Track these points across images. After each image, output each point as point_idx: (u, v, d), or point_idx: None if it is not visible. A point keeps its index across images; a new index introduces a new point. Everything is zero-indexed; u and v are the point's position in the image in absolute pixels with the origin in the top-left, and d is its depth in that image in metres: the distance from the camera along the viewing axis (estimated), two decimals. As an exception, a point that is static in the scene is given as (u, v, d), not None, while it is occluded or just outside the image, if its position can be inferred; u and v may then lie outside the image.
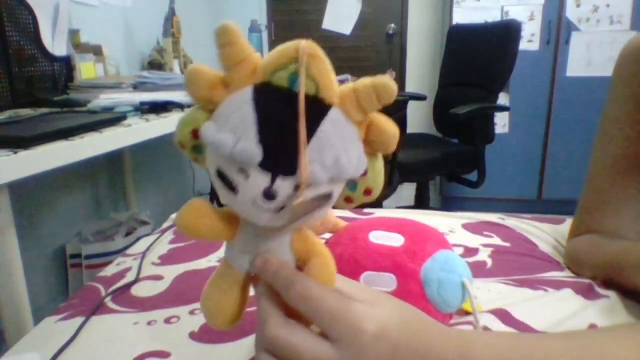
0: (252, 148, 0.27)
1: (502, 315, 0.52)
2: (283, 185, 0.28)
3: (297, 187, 0.28)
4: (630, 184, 0.61)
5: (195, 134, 0.31)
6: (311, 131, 0.28)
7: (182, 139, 0.32)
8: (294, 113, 0.27)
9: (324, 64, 0.28)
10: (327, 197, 0.30)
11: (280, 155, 0.28)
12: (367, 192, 0.33)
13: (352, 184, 0.32)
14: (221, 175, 0.30)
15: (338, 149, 0.29)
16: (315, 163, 0.28)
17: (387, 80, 0.29)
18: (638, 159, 0.60)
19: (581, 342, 0.36)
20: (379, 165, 0.32)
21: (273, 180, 0.28)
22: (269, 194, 0.28)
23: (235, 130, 0.28)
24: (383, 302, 0.33)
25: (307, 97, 0.28)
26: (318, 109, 0.28)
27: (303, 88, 0.28)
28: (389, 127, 0.30)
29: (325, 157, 0.28)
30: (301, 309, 0.31)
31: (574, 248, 0.67)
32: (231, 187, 0.29)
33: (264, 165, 0.28)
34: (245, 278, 0.35)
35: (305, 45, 0.28)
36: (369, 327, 0.30)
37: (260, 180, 0.28)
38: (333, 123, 0.28)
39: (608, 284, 0.58)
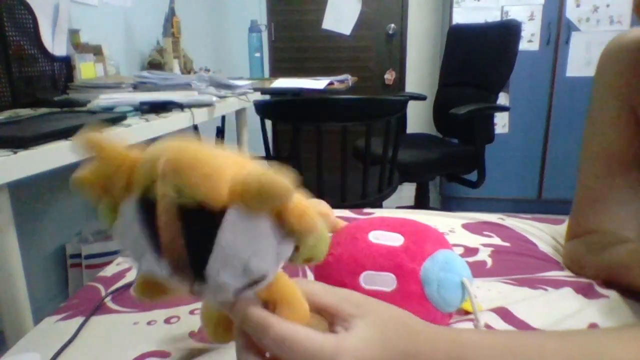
0: (155, 268, 0.27)
1: (503, 313, 0.52)
2: (203, 287, 0.28)
3: (217, 288, 0.28)
4: (621, 183, 0.61)
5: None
6: (208, 244, 0.26)
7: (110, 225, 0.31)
8: (179, 229, 0.26)
9: (197, 171, 0.25)
10: (261, 279, 0.28)
11: (185, 270, 0.27)
12: (308, 261, 0.31)
13: (290, 257, 0.30)
14: None
15: (244, 254, 0.26)
16: (224, 275, 0.26)
17: (272, 183, 0.25)
18: (625, 158, 0.60)
19: (578, 341, 0.36)
20: (313, 239, 0.29)
21: (192, 285, 0.28)
22: (194, 293, 0.28)
23: (134, 249, 0.28)
24: (361, 326, 0.32)
25: (192, 211, 0.25)
26: (208, 219, 0.26)
27: (165, 213, 0.26)
28: (296, 224, 0.27)
29: (232, 268, 0.26)
30: (276, 354, 0.30)
31: (573, 249, 0.67)
32: None
33: (176, 276, 0.27)
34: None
35: (165, 162, 0.25)
36: None
37: (180, 284, 0.28)
38: (232, 227, 0.26)
39: (608, 284, 0.58)
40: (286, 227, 0.28)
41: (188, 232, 0.26)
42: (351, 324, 0.32)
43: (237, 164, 0.28)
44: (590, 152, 0.64)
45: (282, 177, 0.25)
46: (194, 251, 0.26)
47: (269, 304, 0.32)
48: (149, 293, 0.32)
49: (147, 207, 0.26)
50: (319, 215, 0.28)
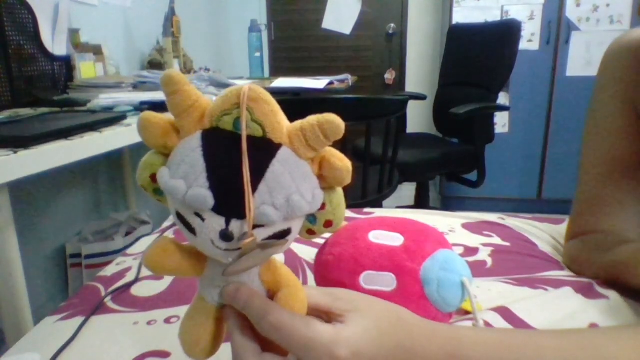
0: (203, 195, 0.28)
1: (504, 313, 0.52)
2: (239, 227, 0.29)
3: (254, 227, 0.29)
4: (622, 183, 0.61)
5: (153, 178, 0.31)
6: (261, 172, 0.28)
7: (142, 184, 0.33)
8: (239, 157, 0.28)
9: (269, 106, 0.29)
10: (285, 233, 0.31)
11: (231, 199, 0.28)
12: (328, 224, 0.33)
13: (312, 218, 0.33)
14: (181, 217, 0.30)
15: (289, 188, 0.29)
16: (267, 204, 0.28)
17: (332, 117, 0.29)
18: (628, 159, 0.60)
19: (575, 339, 0.36)
20: (337, 198, 0.33)
21: (228, 222, 0.29)
22: (225, 236, 0.29)
23: (187, 177, 0.29)
24: (357, 319, 0.32)
25: (254, 139, 0.29)
26: (266, 150, 0.29)
27: (245, 131, 0.28)
28: (341, 163, 0.30)
29: (276, 198, 0.29)
30: (274, 339, 0.31)
31: (573, 249, 0.67)
32: (190, 228, 0.30)
33: (217, 209, 0.29)
34: (218, 310, 0.35)
35: (248, 90, 0.29)
36: (342, 352, 0.30)
37: (215, 223, 0.29)
38: (283, 162, 0.29)
39: (609, 283, 0.58)
40: (328, 171, 0.30)
41: (249, 157, 0.28)
42: (347, 318, 0.32)
43: (299, 121, 0.31)
44: (592, 153, 0.64)
45: (335, 116, 0.29)
46: (247, 180, 0.28)
47: (271, 292, 0.34)
48: (162, 262, 0.33)
49: (215, 135, 0.29)
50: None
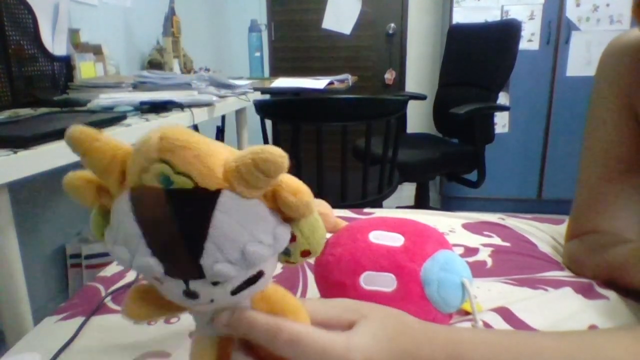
0: (149, 264, 0.26)
1: (504, 313, 0.52)
2: (199, 285, 0.27)
3: (215, 283, 0.27)
4: (623, 183, 0.61)
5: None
6: (203, 229, 0.25)
7: (100, 238, 0.30)
8: (172, 215, 0.25)
9: (191, 151, 0.25)
10: (258, 276, 0.28)
11: (179, 264, 0.26)
12: (305, 254, 0.30)
13: (286, 249, 0.29)
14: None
15: (241, 237, 0.25)
16: (220, 262, 0.25)
17: (268, 154, 0.24)
18: (626, 160, 0.60)
19: (574, 341, 0.36)
20: (308, 225, 0.29)
21: (186, 283, 0.27)
22: (190, 295, 0.27)
23: (127, 244, 0.26)
24: (365, 327, 0.33)
25: (185, 193, 0.25)
26: (202, 202, 0.25)
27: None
28: (294, 198, 0.26)
29: (228, 253, 0.25)
30: (289, 355, 0.30)
31: (573, 249, 0.67)
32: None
33: (170, 274, 0.26)
34: (219, 339, 0.33)
35: (159, 140, 0.25)
36: (356, 357, 0.30)
37: (174, 286, 0.27)
38: (226, 211, 0.25)
39: (609, 284, 0.58)
40: (282, 207, 0.27)
41: (182, 216, 0.25)
42: (356, 326, 0.33)
43: (229, 150, 0.27)
44: (591, 152, 0.64)
45: (275, 149, 0.24)
46: (189, 237, 0.25)
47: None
48: (139, 311, 0.31)
49: (141, 195, 0.26)
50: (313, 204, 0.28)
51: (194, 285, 0.27)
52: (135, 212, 0.25)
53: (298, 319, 0.31)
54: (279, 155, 0.24)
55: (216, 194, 0.25)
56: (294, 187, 0.27)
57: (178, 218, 0.25)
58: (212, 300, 0.28)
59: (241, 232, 0.25)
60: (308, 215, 0.28)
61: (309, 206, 0.27)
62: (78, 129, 0.26)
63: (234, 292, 0.28)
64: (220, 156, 0.26)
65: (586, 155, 0.65)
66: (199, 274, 0.26)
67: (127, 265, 0.27)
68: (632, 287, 0.55)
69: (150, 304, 0.31)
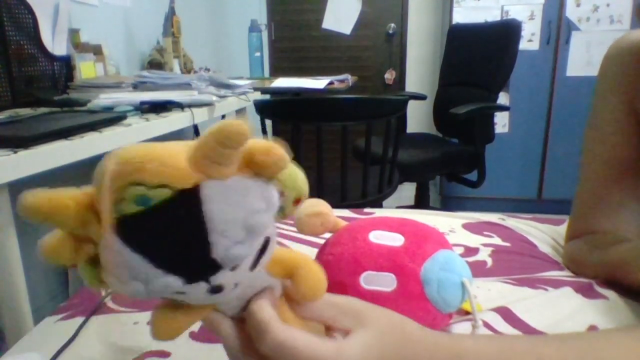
0: (167, 282, 0.26)
1: (504, 313, 0.52)
2: (220, 277, 0.27)
3: (233, 268, 0.27)
4: (622, 185, 0.61)
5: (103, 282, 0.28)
6: (201, 228, 0.25)
7: (99, 288, 0.30)
8: (166, 229, 0.25)
9: (156, 161, 0.25)
10: (266, 243, 0.29)
11: (196, 269, 0.26)
12: (296, 202, 0.31)
13: (282, 205, 0.30)
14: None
15: (238, 216, 0.26)
16: (231, 245, 0.26)
17: (223, 125, 0.24)
18: (627, 161, 0.60)
19: (576, 346, 0.36)
20: (288, 176, 0.30)
21: (208, 282, 0.27)
22: (215, 290, 0.27)
23: (136, 277, 0.26)
24: (360, 335, 0.32)
25: (167, 203, 0.25)
26: (186, 203, 0.25)
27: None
28: (267, 157, 0.27)
29: (234, 235, 0.26)
30: (272, 357, 0.30)
31: (573, 249, 0.67)
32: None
33: (190, 281, 0.26)
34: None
35: (115, 165, 0.25)
36: None
37: (197, 290, 0.27)
38: (212, 200, 0.25)
39: (609, 283, 0.58)
40: (260, 170, 0.27)
41: (180, 223, 0.25)
42: (351, 333, 0.32)
43: (184, 144, 0.27)
44: (592, 154, 0.64)
45: (231, 121, 0.24)
46: (192, 240, 0.25)
47: (286, 279, 0.32)
48: (171, 329, 0.31)
49: (126, 226, 0.25)
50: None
51: (215, 279, 0.27)
52: (129, 245, 0.25)
53: (311, 270, 0.32)
54: (237, 124, 0.24)
55: (196, 189, 0.25)
56: (264, 147, 0.27)
57: (173, 230, 0.25)
58: (236, 285, 0.28)
59: (235, 211, 0.26)
60: (285, 167, 0.28)
61: (284, 159, 0.27)
62: (29, 197, 0.25)
63: (252, 267, 0.28)
64: (181, 153, 0.26)
65: (588, 156, 0.65)
66: (216, 267, 0.26)
67: (145, 295, 0.26)
68: (632, 285, 0.55)
69: (178, 316, 0.31)
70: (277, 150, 0.27)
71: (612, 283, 0.58)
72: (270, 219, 0.28)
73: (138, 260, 0.25)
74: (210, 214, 0.25)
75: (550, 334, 0.48)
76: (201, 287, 0.27)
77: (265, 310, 0.30)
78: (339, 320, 0.33)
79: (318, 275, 0.32)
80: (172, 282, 0.26)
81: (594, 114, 0.64)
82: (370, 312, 0.34)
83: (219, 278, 0.27)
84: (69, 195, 0.26)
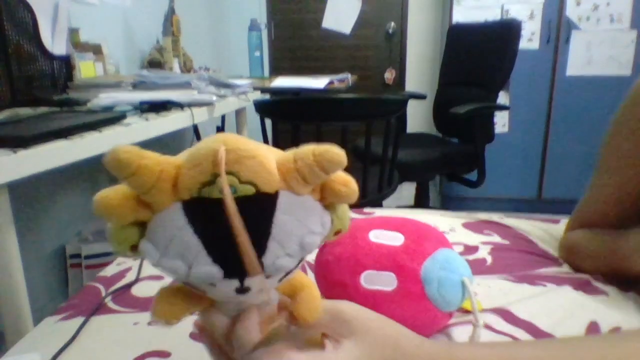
0: (209, 271, 0.26)
1: (504, 313, 0.52)
2: (253, 281, 0.28)
3: (269, 276, 0.28)
4: (631, 213, 0.60)
5: (134, 248, 0.28)
6: (266, 230, 0.26)
7: (123, 255, 0.29)
8: (240, 217, 0.26)
9: (255, 159, 0.26)
10: (302, 260, 0.30)
11: (239, 264, 0.26)
12: (337, 233, 0.32)
13: None
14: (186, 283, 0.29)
15: (299, 232, 0.28)
16: (281, 257, 0.27)
17: (331, 153, 0.26)
18: None
19: (578, 351, 0.36)
20: (342, 208, 0.31)
21: (242, 281, 0.27)
22: (242, 291, 0.28)
23: (183, 256, 0.26)
24: (349, 347, 0.31)
25: (248, 200, 0.26)
26: (264, 205, 0.27)
27: (232, 202, 0.25)
28: (345, 188, 0.29)
29: (288, 248, 0.27)
30: None
31: (571, 239, 0.67)
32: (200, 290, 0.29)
33: (228, 276, 0.27)
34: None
35: (225, 152, 0.26)
36: None
37: (228, 286, 0.28)
38: (285, 211, 0.27)
39: (608, 278, 0.58)
40: (332, 198, 0.29)
41: (247, 221, 0.26)
42: (340, 343, 0.32)
43: (272, 151, 0.29)
44: (609, 183, 0.62)
45: (336, 149, 0.26)
46: (254, 241, 0.26)
47: (288, 296, 0.33)
48: (170, 312, 0.31)
49: (201, 207, 0.26)
50: None
51: (249, 281, 0.27)
52: (193, 224, 0.26)
53: (312, 295, 0.32)
54: (340, 154, 0.26)
55: (275, 195, 0.27)
56: (344, 178, 0.29)
57: (247, 223, 0.26)
58: (260, 291, 0.29)
59: (299, 226, 0.27)
60: (352, 202, 0.30)
61: (356, 194, 0.29)
62: (122, 150, 0.26)
63: (280, 280, 0.29)
64: (272, 159, 0.27)
65: (611, 152, 0.63)
66: (258, 269, 0.27)
67: (181, 276, 0.27)
68: (631, 276, 0.54)
69: (180, 302, 0.31)
70: (354, 184, 0.29)
71: (611, 276, 0.57)
72: (319, 243, 0.29)
73: (195, 242, 0.26)
74: (278, 222, 0.27)
75: (554, 339, 0.48)
76: (233, 284, 0.27)
77: (253, 332, 0.30)
78: (330, 327, 0.32)
79: (317, 301, 0.33)
80: (215, 273, 0.26)
81: (618, 125, 0.61)
82: (363, 321, 0.33)
83: (252, 281, 0.27)
84: (158, 161, 0.27)
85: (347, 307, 0.33)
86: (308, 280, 0.34)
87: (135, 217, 0.27)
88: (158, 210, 0.27)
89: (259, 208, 0.26)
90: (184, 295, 0.31)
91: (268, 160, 0.27)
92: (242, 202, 0.26)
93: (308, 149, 0.27)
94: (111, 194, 0.27)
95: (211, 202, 0.26)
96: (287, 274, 0.30)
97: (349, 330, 0.32)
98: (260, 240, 0.26)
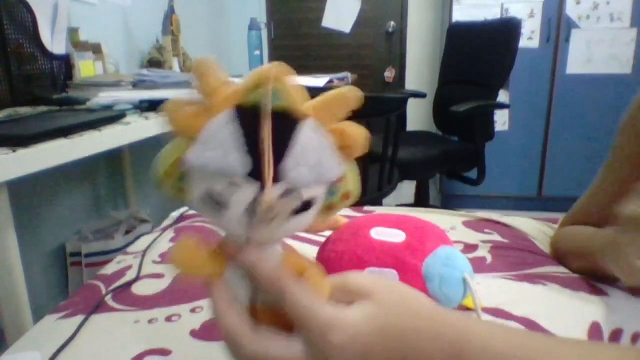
0: (242, 157, 0.29)
1: (504, 313, 0.52)
2: (269, 192, 0.29)
3: (287, 192, 0.30)
4: None
5: (179, 164, 0.32)
6: (292, 140, 0.30)
7: (167, 170, 0.33)
8: (273, 126, 0.30)
9: (296, 85, 0.31)
10: (310, 204, 0.32)
11: (267, 164, 0.29)
12: (346, 196, 0.35)
13: (331, 191, 0.34)
14: (209, 196, 0.31)
15: (320, 152, 0.31)
16: (301, 165, 0.30)
17: (348, 89, 0.32)
18: None
19: (591, 352, 0.35)
20: (354, 169, 0.34)
21: (263, 187, 0.29)
22: (252, 210, 0.30)
23: (223, 146, 0.30)
24: (364, 305, 0.31)
25: (283, 112, 0.30)
26: (295, 120, 0.31)
27: (269, 106, 0.30)
28: (358, 131, 0.33)
29: (309, 159, 0.30)
30: (290, 315, 0.30)
31: (558, 237, 0.67)
32: (220, 202, 0.30)
33: (254, 174, 0.29)
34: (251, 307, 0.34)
35: (274, 69, 0.30)
36: (336, 338, 0.29)
37: (249, 190, 0.30)
38: (312, 130, 0.31)
39: (604, 278, 0.58)
40: (348, 142, 0.33)
41: (277, 131, 0.30)
42: (355, 302, 0.31)
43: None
44: (614, 183, 0.61)
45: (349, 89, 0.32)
46: (279, 145, 0.29)
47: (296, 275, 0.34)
48: (191, 261, 0.33)
49: (245, 111, 0.30)
50: None
51: (265, 193, 0.29)
52: (238, 121, 0.30)
53: (321, 274, 0.34)
54: (354, 92, 0.32)
55: (306, 117, 0.31)
56: (356, 125, 0.33)
57: (275, 130, 0.30)
58: (272, 219, 0.30)
59: (320, 148, 0.31)
60: (361, 152, 0.33)
61: (366, 144, 0.33)
62: (207, 58, 0.32)
63: (293, 214, 0.31)
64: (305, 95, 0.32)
65: (611, 164, 0.62)
66: (280, 177, 0.30)
67: (216, 164, 0.30)
68: (601, 272, 0.54)
69: (199, 253, 0.33)
70: (365, 133, 0.33)
71: (592, 275, 0.57)
72: (335, 175, 0.32)
73: (235, 135, 0.30)
74: (305, 136, 0.30)
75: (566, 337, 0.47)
76: (249, 192, 0.29)
77: (273, 263, 0.31)
78: (346, 282, 0.33)
79: (327, 283, 0.34)
80: (246, 163, 0.29)
81: (627, 128, 0.60)
82: (380, 282, 0.33)
83: (269, 192, 0.29)
84: (225, 79, 0.32)
85: (355, 275, 0.34)
86: (312, 261, 0.35)
87: (195, 123, 0.31)
88: (214, 116, 0.31)
89: (291, 121, 0.30)
90: (202, 248, 0.34)
91: (305, 93, 0.32)
92: (277, 114, 0.30)
93: (331, 91, 0.32)
94: (183, 98, 0.32)
95: (253, 106, 0.30)
96: (303, 209, 0.31)
97: (367, 289, 0.32)
98: (284, 148, 0.30)
